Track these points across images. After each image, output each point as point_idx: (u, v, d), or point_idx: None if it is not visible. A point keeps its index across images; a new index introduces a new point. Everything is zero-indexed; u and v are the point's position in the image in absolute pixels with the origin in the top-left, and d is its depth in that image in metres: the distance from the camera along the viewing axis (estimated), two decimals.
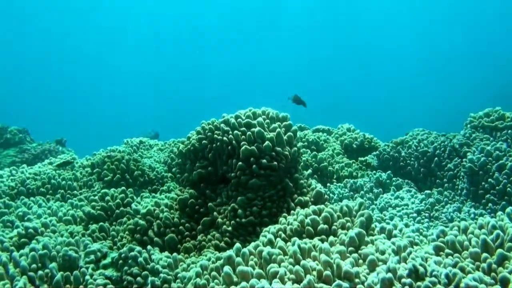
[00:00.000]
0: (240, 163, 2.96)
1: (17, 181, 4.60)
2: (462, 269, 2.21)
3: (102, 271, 2.78)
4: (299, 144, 3.21)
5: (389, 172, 4.62)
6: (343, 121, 6.08)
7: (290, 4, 41.88)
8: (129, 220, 3.45)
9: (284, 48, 43.70)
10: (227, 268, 2.24)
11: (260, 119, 3.07)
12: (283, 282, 2.12)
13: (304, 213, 2.68)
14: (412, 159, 4.80)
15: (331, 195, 4.30)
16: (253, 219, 2.91)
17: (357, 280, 2.15)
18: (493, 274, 2.14)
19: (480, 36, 37.52)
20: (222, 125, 3.10)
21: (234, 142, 2.99)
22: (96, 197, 3.70)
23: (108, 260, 2.86)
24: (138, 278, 2.60)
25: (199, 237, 3.04)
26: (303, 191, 3.09)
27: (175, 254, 2.73)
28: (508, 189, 3.85)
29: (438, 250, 2.48)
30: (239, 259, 2.27)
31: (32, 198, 4.23)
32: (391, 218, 3.67)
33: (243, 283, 2.10)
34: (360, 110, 33.77)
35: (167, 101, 43.57)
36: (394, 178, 4.55)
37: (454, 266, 2.25)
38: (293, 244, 2.34)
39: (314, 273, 2.15)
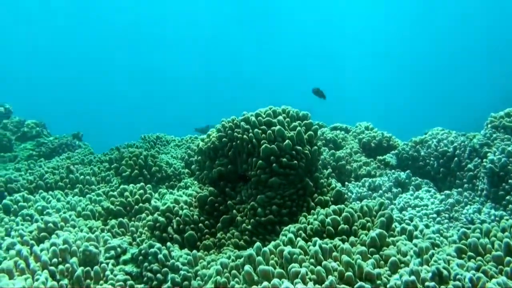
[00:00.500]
0: (260, 161, 2.95)
1: (36, 175, 4.65)
2: (485, 273, 2.19)
3: (122, 266, 2.79)
4: (319, 143, 3.19)
5: (408, 171, 4.58)
6: (360, 119, 6.04)
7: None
8: (148, 216, 3.46)
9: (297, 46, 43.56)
10: (248, 267, 2.23)
11: (280, 117, 3.05)
12: (304, 282, 2.11)
13: (325, 212, 2.66)
14: (431, 158, 4.75)
15: (349, 194, 4.27)
16: (273, 217, 2.90)
17: (378, 281, 2.13)
18: None
19: (501, 32, 36.90)
20: (242, 123, 3.09)
21: (254, 140, 2.98)
22: (115, 193, 3.72)
23: (128, 256, 2.87)
24: (158, 275, 2.61)
25: (218, 235, 3.03)
26: (323, 190, 3.07)
27: (194, 251, 2.73)
28: None
29: (460, 253, 2.46)
30: (259, 258, 2.26)
31: (50, 192, 4.27)
32: (411, 219, 3.64)
33: (265, 283, 2.09)
34: (378, 108, 33.60)
35: (182, 97, 43.66)
36: (413, 178, 4.51)
37: (477, 269, 2.23)
38: (314, 244, 2.32)
39: (336, 273, 2.14)
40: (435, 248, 2.61)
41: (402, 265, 2.27)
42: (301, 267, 2.18)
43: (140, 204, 3.59)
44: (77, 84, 43.08)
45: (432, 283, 2.04)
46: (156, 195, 3.86)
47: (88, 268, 2.66)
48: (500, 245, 2.32)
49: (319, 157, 3.19)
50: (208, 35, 45.01)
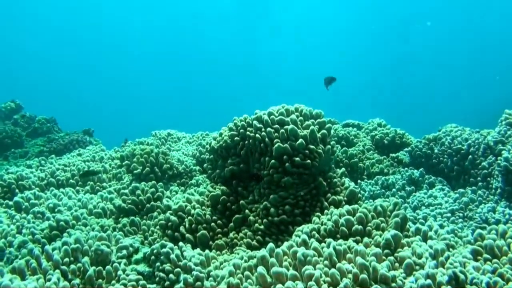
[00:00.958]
0: (273, 161, 2.91)
1: (47, 172, 4.65)
2: (501, 276, 2.16)
3: (134, 266, 2.78)
4: (332, 142, 3.15)
5: (421, 169, 4.53)
6: (373, 115, 5.99)
7: None
8: (159, 214, 3.45)
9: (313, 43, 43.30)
10: (261, 269, 2.21)
11: (293, 116, 3.01)
12: (318, 285, 2.08)
13: (338, 213, 2.63)
14: (445, 156, 4.70)
15: (362, 192, 4.24)
16: (286, 218, 2.87)
17: (393, 284, 2.10)
18: None
19: None
20: (254, 122, 3.05)
21: (267, 139, 2.95)
22: (127, 191, 3.71)
23: (140, 255, 2.86)
24: (171, 275, 2.59)
25: (230, 235, 3.01)
26: (336, 190, 3.03)
27: (207, 251, 2.71)
28: None
29: (476, 255, 2.43)
30: (273, 259, 2.24)
31: (62, 190, 4.27)
32: (425, 218, 3.60)
33: (279, 286, 2.07)
34: (390, 104, 33.35)
35: (194, 94, 43.68)
36: (426, 176, 4.46)
37: (493, 272, 2.20)
38: (328, 246, 2.30)
39: (350, 275, 2.11)
40: (450, 250, 2.57)
41: (417, 267, 2.23)
42: (315, 269, 2.15)
43: (152, 203, 3.58)
44: (88, 78, 43.26)
45: (449, 287, 2.01)
46: (168, 193, 3.85)
47: (100, 267, 2.65)
48: None
49: (332, 156, 3.15)
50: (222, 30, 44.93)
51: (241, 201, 3.09)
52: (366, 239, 2.46)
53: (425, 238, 2.62)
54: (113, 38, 44.94)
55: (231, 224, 3.06)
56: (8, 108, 8.90)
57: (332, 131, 3.14)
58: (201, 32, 45.42)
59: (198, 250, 2.78)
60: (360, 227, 2.54)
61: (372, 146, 5.27)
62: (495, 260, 2.33)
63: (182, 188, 4.33)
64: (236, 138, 3.14)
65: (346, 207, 2.65)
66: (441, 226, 3.24)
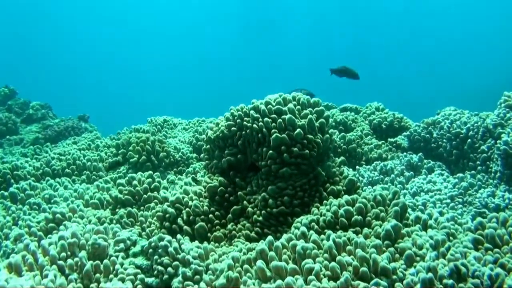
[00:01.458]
0: (270, 151, 2.87)
1: (42, 162, 4.61)
2: (502, 266, 2.15)
3: (132, 259, 2.75)
4: (330, 130, 3.10)
5: (420, 154, 4.50)
6: (370, 99, 5.92)
7: None
8: (156, 205, 3.42)
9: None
10: (260, 263, 2.19)
11: (291, 105, 2.96)
12: (318, 279, 2.06)
13: (337, 203, 2.60)
14: (444, 140, 4.67)
15: (360, 178, 4.21)
16: (285, 209, 2.84)
17: (394, 276, 2.09)
18: None
19: None
20: (251, 111, 3.00)
21: (264, 129, 2.89)
22: (123, 181, 3.67)
23: (137, 248, 2.83)
24: (169, 269, 2.57)
25: (229, 226, 2.98)
26: (335, 179, 3.00)
27: (205, 244, 2.68)
28: None
29: (476, 244, 2.43)
30: (272, 253, 2.21)
31: (57, 180, 4.23)
32: (424, 204, 3.58)
33: (279, 281, 2.05)
34: (388, 87, 33.18)
35: (190, 79, 43.40)
36: (425, 161, 4.43)
37: (495, 262, 2.20)
38: (328, 239, 2.27)
39: (350, 268, 2.09)
40: (451, 238, 2.56)
41: (418, 258, 2.22)
42: (314, 262, 2.13)
43: (149, 193, 3.55)
44: (82, 62, 42.86)
45: (451, 281, 1.99)
46: (165, 182, 3.81)
47: (97, 261, 2.61)
48: None
49: (330, 145, 3.10)
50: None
51: (239, 192, 3.05)
52: (366, 230, 2.44)
53: (425, 227, 2.61)
54: (107, 20, 44.47)
55: (229, 215, 3.02)
56: (1, 94, 8.81)
57: (331, 120, 3.09)
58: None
59: (196, 242, 2.75)
60: (359, 217, 2.51)
61: (370, 131, 5.23)
62: (496, 250, 2.32)
63: (180, 176, 4.30)
64: (233, 128, 3.08)
65: (345, 197, 2.62)
66: (441, 213, 3.22)
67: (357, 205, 2.55)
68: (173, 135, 5.87)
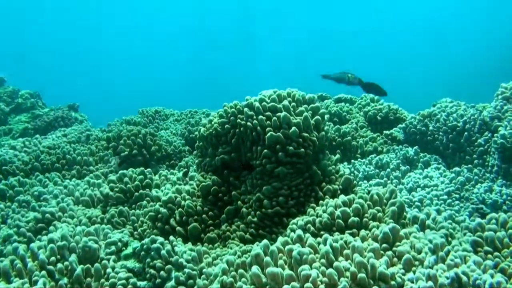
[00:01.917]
0: (265, 150, 2.79)
1: (31, 156, 4.50)
2: (503, 271, 2.13)
3: (124, 262, 2.69)
4: (326, 127, 3.03)
5: (416, 147, 4.44)
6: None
7: None
8: (148, 203, 3.34)
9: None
10: (255, 268, 2.12)
11: (285, 102, 2.88)
12: (315, 286, 2.01)
13: (334, 204, 2.54)
14: (440, 133, 4.60)
15: (356, 172, 4.16)
16: (280, 209, 2.77)
17: (393, 282, 2.03)
18: None
19: None
20: (245, 109, 2.91)
21: (258, 128, 2.81)
22: (114, 178, 3.58)
23: (129, 250, 2.77)
24: (162, 272, 2.51)
25: (223, 227, 2.92)
26: (331, 178, 2.93)
27: (199, 247, 2.62)
28: None
29: (476, 246, 2.39)
30: (267, 258, 2.15)
31: (47, 175, 4.15)
32: (421, 201, 3.54)
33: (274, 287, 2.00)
34: (381, 76, 32.95)
35: (182, 69, 42.95)
36: (421, 154, 4.37)
37: (495, 267, 2.16)
38: (325, 243, 2.21)
39: (348, 274, 2.03)
40: (449, 239, 2.52)
41: (417, 262, 2.17)
42: (311, 268, 2.07)
43: (141, 191, 3.46)
44: (72, 49, 42.26)
45: None
46: (157, 177, 3.73)
47: (88, 265, 2.54)
48: None
49: (326, 142, 3.03)
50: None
51: (233, 192, 2.98)
52: (363, 232, 2.38)
53: (423, 227, 2.57)
54: (99, 9, 43.89)
55: (223, 215, 2.95)
56: None
57: (327, 116, 3.02)
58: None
59: (189, 245, 2.69)
60: (356, 219, 2.46)
61: (365, 123, 5.15)
62: (496, 253, 2.29)
63: (172, 170, 4.22)
64: (226, 125, 3.00)
65: (342, 197, 2.56)
66: (438, 211, 3.18)
67: (353, 205, 2.50)
68: (165, 126, 5.77)
